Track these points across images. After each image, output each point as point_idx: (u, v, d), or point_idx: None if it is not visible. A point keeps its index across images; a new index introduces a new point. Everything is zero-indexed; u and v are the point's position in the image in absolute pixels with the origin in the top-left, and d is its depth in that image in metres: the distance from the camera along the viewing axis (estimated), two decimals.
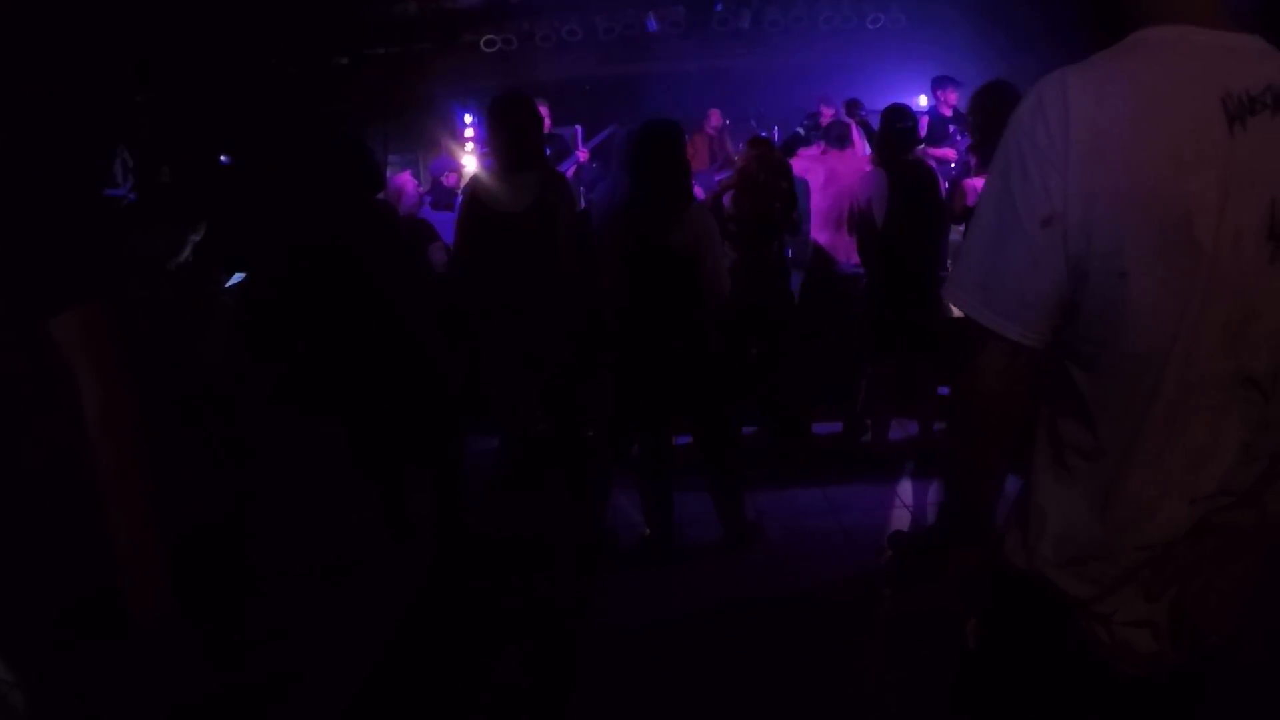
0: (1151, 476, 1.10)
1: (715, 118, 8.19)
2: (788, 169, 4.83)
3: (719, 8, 8.45)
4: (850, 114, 5.86)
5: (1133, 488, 1.11)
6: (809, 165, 5.48)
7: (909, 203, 4.40)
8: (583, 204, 5.70)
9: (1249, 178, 1.02)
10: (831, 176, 5.25)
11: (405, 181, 5.13)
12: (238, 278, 3.25)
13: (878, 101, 4.78)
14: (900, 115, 4.55)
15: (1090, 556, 1.15)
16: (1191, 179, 1.01)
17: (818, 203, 5.28)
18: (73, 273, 2.00)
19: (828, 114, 6.98)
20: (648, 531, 3.93)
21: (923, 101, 7.65)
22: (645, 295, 3.56)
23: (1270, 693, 2.77)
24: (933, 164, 5.27)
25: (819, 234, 5.35)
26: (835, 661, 3.10)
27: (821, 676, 3.04)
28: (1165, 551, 1.13)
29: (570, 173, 6.10)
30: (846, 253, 5.18)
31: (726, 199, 4.70)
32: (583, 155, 6.39)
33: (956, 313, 1.20)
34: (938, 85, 7.50)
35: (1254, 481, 1.13)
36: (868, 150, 5.56)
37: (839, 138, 5.41)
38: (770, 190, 4.57)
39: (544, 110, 6.29)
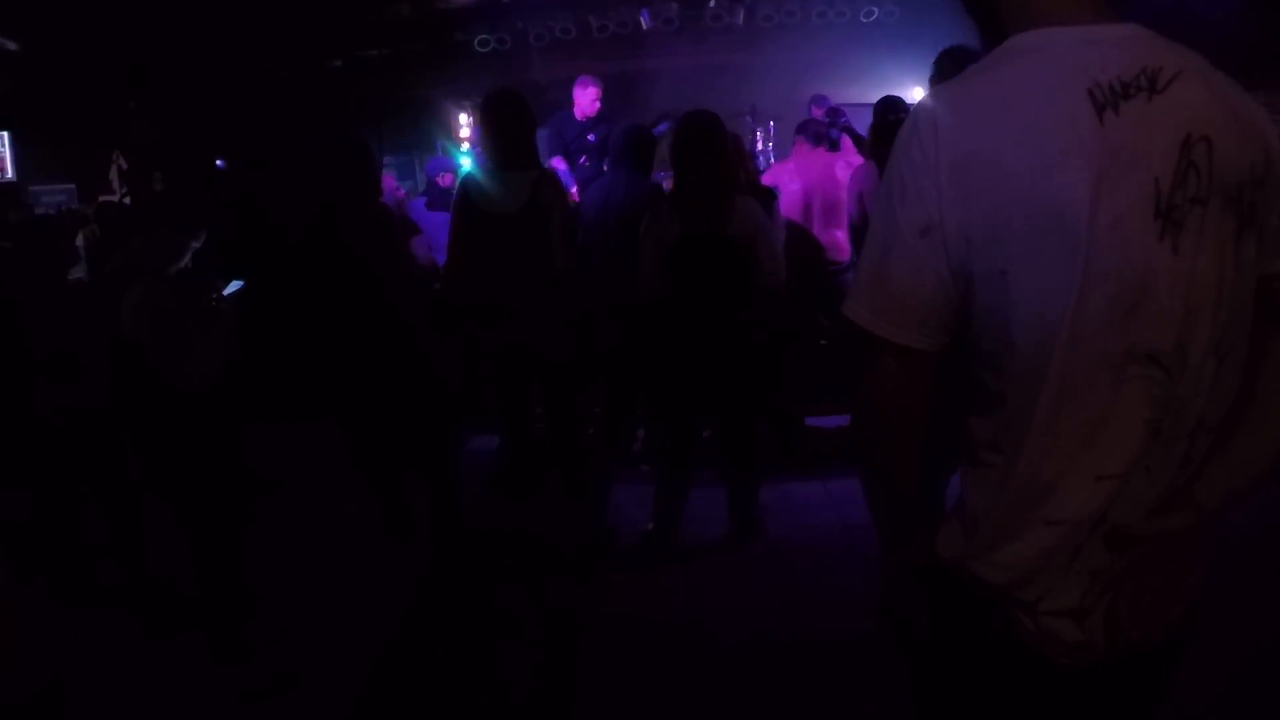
0: (1047, 453, 1.13)
1: None
2: (748, 160, 4.80)
3: (712, 4, 8.44)
4: (833, 122, 5.86)
5: (1030, 464, 1.14)
6: (777, 168, 5.49)
7: None
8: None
9: (1127, 161, 1.05)
10: (798, 171, 5.25)
11: (386, 183, 5.14)
12: (235, 285, 3.24)
13: (871, 95, 4.75)
14: (893, 107, 4.54)
15: (1001, 539, 1.18)
16: (1058, 172, 1.05)
17: (784, 199, 5.28)
18: None
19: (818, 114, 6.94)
20: (649, 527, 3.93)
21: (918, 94, 7.64)
22: (695, 290, 3.53)
23: (1262, 682, 2.78)
24: None
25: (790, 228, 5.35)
26: (838, 658, 3.10)
27: (824, 673, 3.03)
28: (1087, 538, 1.15)
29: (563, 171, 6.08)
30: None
31: None
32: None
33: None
34: (933, 81, 7.50)
35: (1177, 469, 1.16)
36: (852, 155, 5.54)
37: (814, 135, 5.42)
38: (754, 190, 4.55)
39: (595, 89, 6.27)
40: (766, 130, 8.03)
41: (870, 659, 3.14)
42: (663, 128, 6.35)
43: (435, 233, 4.88)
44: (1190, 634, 1.28)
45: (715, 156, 3.52)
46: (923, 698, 1.45)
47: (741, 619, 3.38)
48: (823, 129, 5.47)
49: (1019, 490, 1.15)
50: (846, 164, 5.29)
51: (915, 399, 1.21)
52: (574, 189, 5.92)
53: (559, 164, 6.13)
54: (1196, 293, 1.09)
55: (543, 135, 5.02)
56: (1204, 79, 1.11)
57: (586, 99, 6.30)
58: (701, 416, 3.81)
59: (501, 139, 3.60)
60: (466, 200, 3.64)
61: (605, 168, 6.11)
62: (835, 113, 5.92)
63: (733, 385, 3.66)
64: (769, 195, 4.71)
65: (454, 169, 6.05)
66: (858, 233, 4.62)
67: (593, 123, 6.34)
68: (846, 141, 5.82)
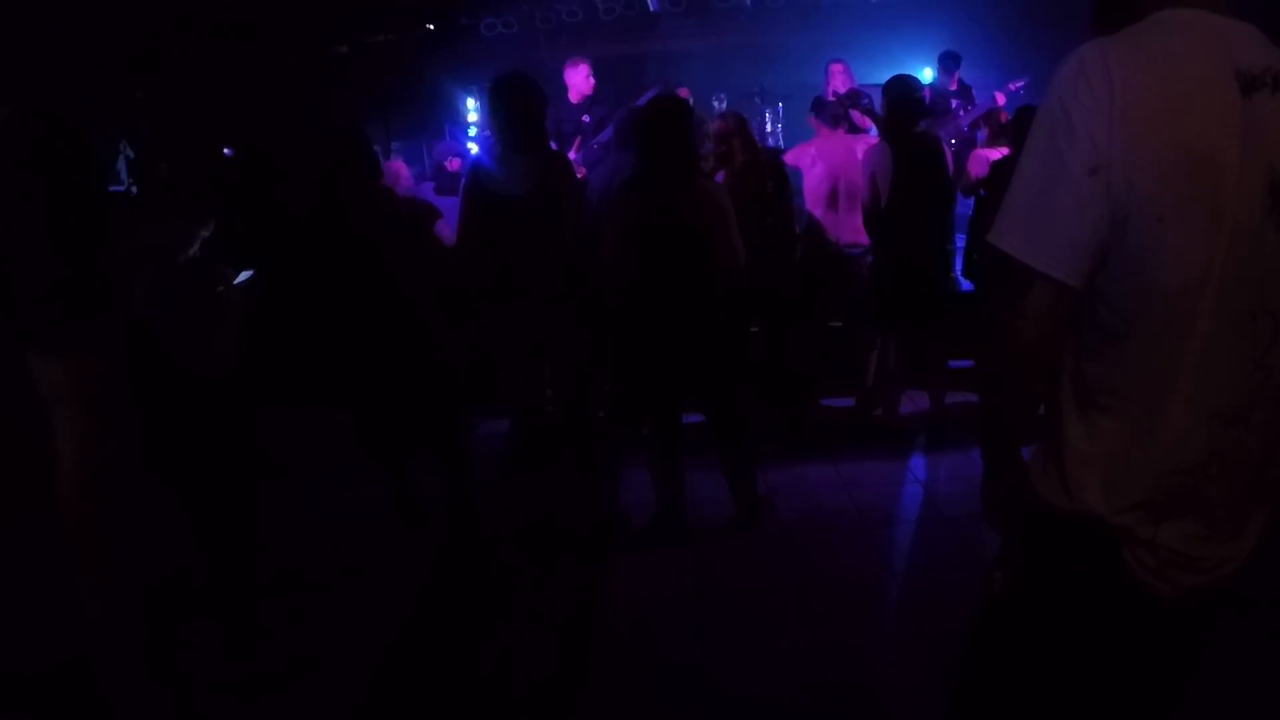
0: (1191, 404, 1.22)
1: (684, 95, 7.71)
2: (754, 142, 4.76)
3: None
4: (854, 104, 5.79)
5: (1175, 416, 1.23)
6: (799, 150, 5.44)
7: (914, 176, 4.36)
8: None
9: (1257, 141, 1.16)
10: (820, 154, 5.21)
11: (399, 167, 5.11)
12: (245, 275, 3.24)
13: (880, 76, 4.72)
14: (906, 86, 4.51)
15: (1136, 486, 1.26)
16: (1216, 137, 1.15)
17: (808, 182, 5.25)
18: (72, 317, 1.91)
19: (837, 82, 6.83)
20: (657, 510, 3.92)
21: (927, 75, 7.58)
22: (654, 272, 3.53)
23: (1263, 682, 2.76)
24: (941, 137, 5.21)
25: (813, 209, 5.31)
26: (850, 639, 3.10)
27: (835, 655, 3.03)
28: (1203, 476, 1.26)
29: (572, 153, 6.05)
30: (837, 230, 5.14)
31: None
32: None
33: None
34: (943, 60, 7.44)
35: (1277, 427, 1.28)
36: (874, 134, 5.48)
37: (832, 117, 5.37)
38: (758, 167, 4.52)
39: (585, 67, 6.21)
40: (775, 112, 7.98)
41: (882, 640, 3.14)
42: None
43: (444, 216, 4.87)
44: (1246, 577, 1.38)
45: (673, 142, 3.49)
46: (986, 653, 1.49)
47: (751, 599, 3.38)
48: (839, 110, 5.42)
49: (1161, 438, 1.24)
50: (867, 145, 5.25)
51: (1057, 339, 1.29)
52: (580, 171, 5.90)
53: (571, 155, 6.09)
54: None
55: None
56: None
57: (579, 78, 6.26)
58: (668, 399, 3.80)
59: (511, 122, 3.58)
60: (477, 183, 3.63)
61: (595, 146, 6.10)
62: (856, 95, 5.87)
63: (698, 366, 3.66)
64: (779, 172, 4.68)
65: (461, 153, 6.03)
66: (870, 216, 4.59)
67: (589, 102, 6.29)
68: (866, 122, 5.77)
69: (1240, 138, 1.15)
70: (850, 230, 5.06)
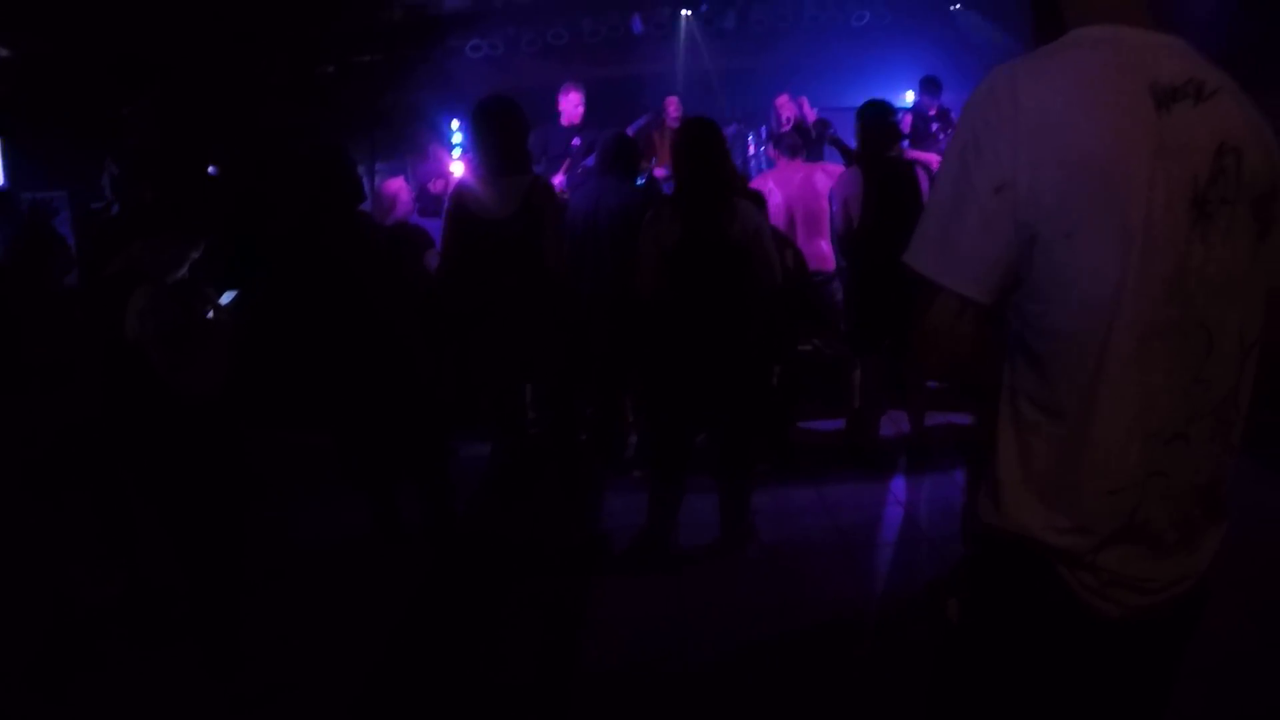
0: (1119, 424, 1.22)
1: (674, 106, 7.42)
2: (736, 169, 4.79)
3: (704, 9, 8.48)
4: (820, 134, 5.87)
5: (1104, 436, 1.22)
6: (759, 180, 5.50)
7: (887, 200, 4.39)
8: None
9: (1175, 153, 1.17)
10: (777, 184, 5.26)
11: (400, 188, 5.10)
12: (229, 296, 3.24)
13: (862, 99, 4.78)
14: (881, 110, 4.56)
15: (1071, 507, 1.25)
16: (1125, 150, 1.15)
17: (769, 212, 5.30)
18: None
19: (787, 112, 6.92)
20: (642, 531, 3.92)
21: (909, 99, 7.67)
22: (697, 292, 3.53)
23: (1262, 682, 2.80)
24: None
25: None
26: (831, 661, 3.11)
27: (818, 676, 3.04)
28: (1140, 497, 1.24)
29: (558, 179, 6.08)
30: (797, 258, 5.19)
31: None
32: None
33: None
34: (924, 85, 7.53)
35: (1208, 441, 1.26)
36: (839, 165, 5.55)
37: (789, 147, 5.44)
38: (744, 195, 4.56)
39: (577, 94, 6.28)
40: (758, 134, 8.05)
41: (864, 663, 3.15)
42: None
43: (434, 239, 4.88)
44: (1208, 591, 1.37)
45: (716, 159, 3.55)
46: (948, 680, 1.49)
47: (734, 623, 3.39)
48: (796, 141, 5.50)
49: (1089, 456, 1.23)
50: (825, 173, 5.30)
51: (969, 346, 1.28)
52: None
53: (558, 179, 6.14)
54: (1220, 281, 1.20)
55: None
56: (1236, 98, 1.23)
57: (570, 105, 6.33)
58: (698, 421, 3.81)
59: (495, 144, 3.61)
60: (460, 205, 3.65)
61: (580, 171, 6.14)
62: (823, 124, 5.95)
63: (733, 388, 3.67)
64: (759, 198, 4.72)
65: (445, 175, 6.05)
66: (844, 242, 4.63)
67: (578, 128, 6.36)
68: (827, 150, 5.84)
69: (1151, 152, 1.15)
70: (814, 259, 5.13)
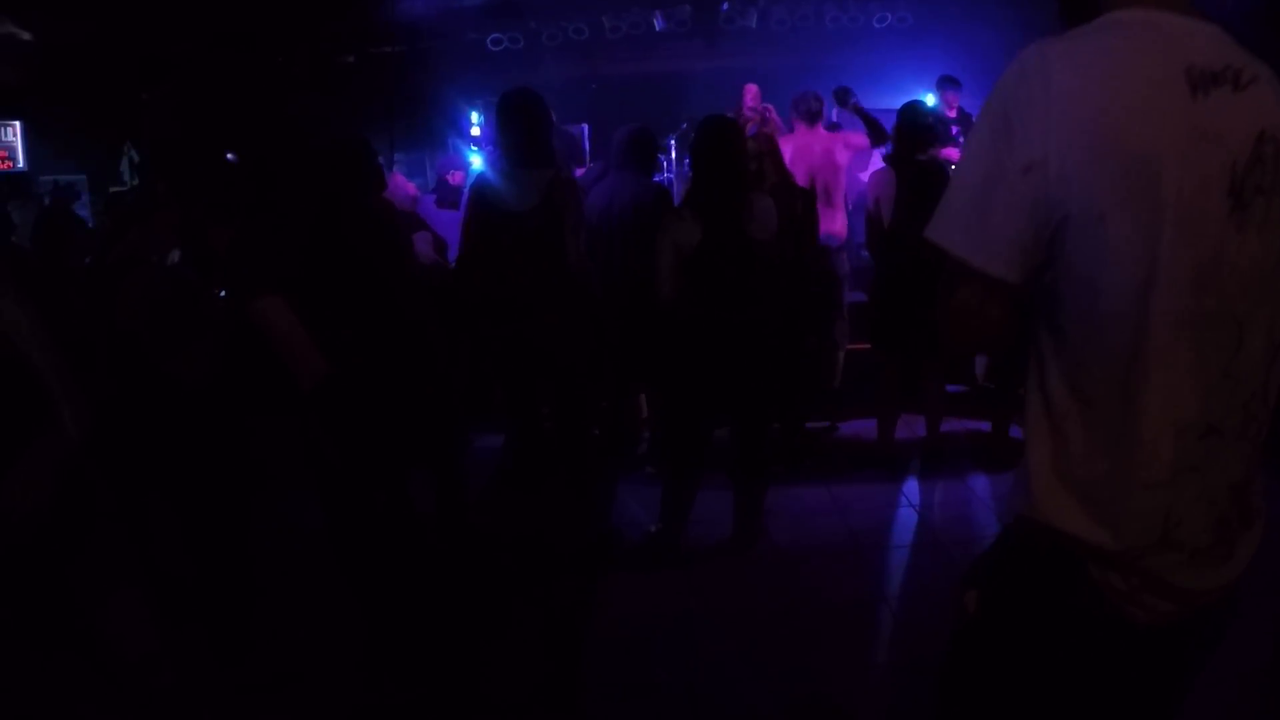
0: (1154, 414, 1.19)
1: (751, 96, 6.81)
2: (783, 162, 4.75)
3: (725, 7, 8.45)
4: (843, 102, 5.80)
5: (1138, 426, 1.19)
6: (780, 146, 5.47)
7: (918, 201, 4.37)
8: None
9: (1211, 139, 1.14)
10: (799, 152, 5.23)
11: (402, 183, 5.13)
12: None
13: (882, 100, 4.76)
14: (921, 112, 4.55)
15: (1105, 502, 1.22)
16: (1157, 132, 1.13)
17: None
18: None
19: (751, 100, 6.82)
20: (653, 529, 3.92)
21: (929, 101, 7.63)
22: (720, 291, 3.53)
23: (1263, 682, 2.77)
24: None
25: None
26: (842, 664, 3.10)
27: (827, 677, 3.03)
28: (1174, 495, 1.21)
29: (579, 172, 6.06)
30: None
31: None
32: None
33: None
34: (942, 85, 7.48)
35: (1237, 438, 1.23)
36: (860, 135, 5.50)
37: (808, 113, 5.40)
38: (788, 188, 4.53)
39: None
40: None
41: (875, 665, 3.14)
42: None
43: (445, 230, 4.88)
44: (1230, 616, 1.35)
45: (735, 158, 3.54)
46: (962, 671, 1.46)
47: (744, 623, 3.38)
48: (818, 106, 5.45)
49: (1126, 449, 1.20)
50: (845, 144, 5.27)
51: (997, 326, 1.26)
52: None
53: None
54: (1254, 272, 1.18)
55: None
56: (1274, 87, 1.21)
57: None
58: (716, 420, 3.80)
59: (517, 137, 3.59)
60: (481, 197, 3.64)
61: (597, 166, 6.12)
62: (846, 92, 5.88)
63: (754, 387, 3.66)
64: (809, 195, 4.70)
65: (464, 167, 6.05)
66: (871, 238, 4.62)
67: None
68: (846, 119, 5.81)
69: (1186, 131, 1.13)
70: (826, 222, 5.10)
